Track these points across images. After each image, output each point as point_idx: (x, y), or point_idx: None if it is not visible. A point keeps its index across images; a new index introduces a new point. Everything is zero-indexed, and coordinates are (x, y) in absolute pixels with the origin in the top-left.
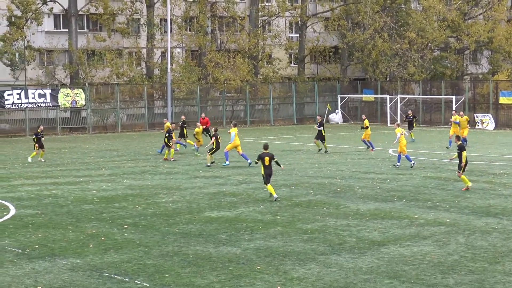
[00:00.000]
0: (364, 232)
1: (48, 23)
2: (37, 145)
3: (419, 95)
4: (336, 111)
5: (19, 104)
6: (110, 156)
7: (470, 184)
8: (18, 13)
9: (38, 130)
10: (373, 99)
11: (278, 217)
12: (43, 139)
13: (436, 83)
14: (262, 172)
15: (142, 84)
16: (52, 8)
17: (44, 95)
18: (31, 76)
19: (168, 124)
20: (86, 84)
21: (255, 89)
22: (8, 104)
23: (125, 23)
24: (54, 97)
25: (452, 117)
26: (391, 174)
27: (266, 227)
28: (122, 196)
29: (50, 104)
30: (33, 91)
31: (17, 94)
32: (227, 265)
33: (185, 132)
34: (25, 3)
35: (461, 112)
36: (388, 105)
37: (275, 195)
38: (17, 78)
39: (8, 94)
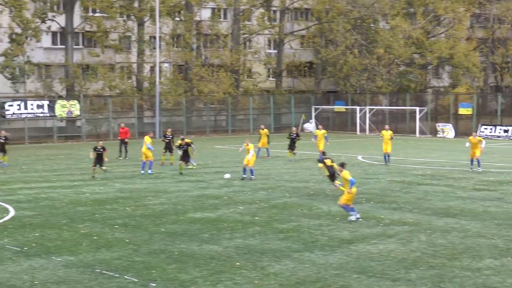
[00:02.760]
0: (334, 231)
1: (46, 40)
2: None
3: (386, 106)
4: (310, 120)
5: (19, 114)
6: None
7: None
8: (18, 30)
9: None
10: (345, 110)
11: (257, 218)
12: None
13: (402, 95)
14: None
15: (133, 96)
16: (50, 26)
17: (42, 106)
18: (30, 89)
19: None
20: (81, 96)
21: (236, 100)
22: (8, 115)
23: (117, 40)
24: (51, 108)
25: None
26: (359, 178)
27: (245, 227)
28: (113, 198)
29: (48, 115)
30: (32, 102)
31: (17, 105)
32: (209, 261)
33: (5, 148)
34: (25, 21)
35: (474, 133)
36: (358, 115)
37: None
38: (18, 91)
39: (9, 105)
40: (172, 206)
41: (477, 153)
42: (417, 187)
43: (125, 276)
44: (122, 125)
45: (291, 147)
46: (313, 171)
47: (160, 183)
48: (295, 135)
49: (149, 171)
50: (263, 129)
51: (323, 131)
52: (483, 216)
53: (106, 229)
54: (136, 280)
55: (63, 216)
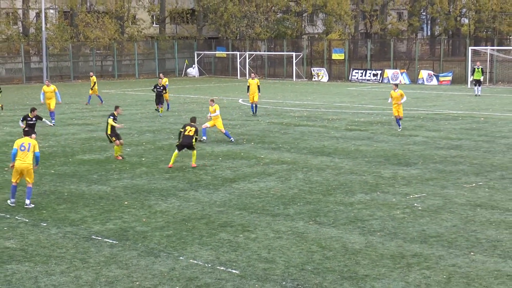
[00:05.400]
0: (218, 171)
1: None
2: None
3: (264, 51)
4: (193, 65)
5: None
6: None
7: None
8: None
9: None
10: (225, 56)
11: (143, 159)
12: None
13: (279, 41)
14: None
15: (19, 41)
16: None
17: None
18: None
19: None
20: None
21: (122, 46)
22: None
23: None
24: None
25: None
26: (241, 120)
27: (133, 167)
28: (2, 142)
29: None
30: None
31: None
32: (98, 201)
33: None
34: None
35: (394, 85)
36: (238, 60)
37: None
38: None
39: None
40: (61, 149)
41: (400, 112)
42: (294, 128)
43: (16, 217)
44: None
45: (159, 100)
46: (196, 114)
47: (49, 126)
48: (161, 88)
49: (53, 122)
50: (91, 76)
51: (166, 79)
52: (354, 154)
53: None
54: (27, 220)
55: None
